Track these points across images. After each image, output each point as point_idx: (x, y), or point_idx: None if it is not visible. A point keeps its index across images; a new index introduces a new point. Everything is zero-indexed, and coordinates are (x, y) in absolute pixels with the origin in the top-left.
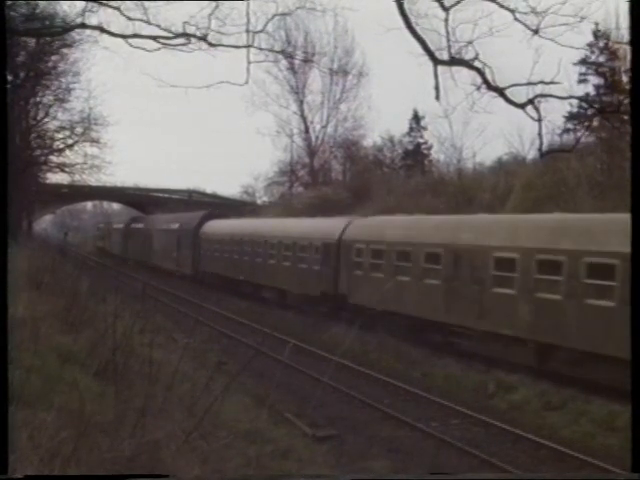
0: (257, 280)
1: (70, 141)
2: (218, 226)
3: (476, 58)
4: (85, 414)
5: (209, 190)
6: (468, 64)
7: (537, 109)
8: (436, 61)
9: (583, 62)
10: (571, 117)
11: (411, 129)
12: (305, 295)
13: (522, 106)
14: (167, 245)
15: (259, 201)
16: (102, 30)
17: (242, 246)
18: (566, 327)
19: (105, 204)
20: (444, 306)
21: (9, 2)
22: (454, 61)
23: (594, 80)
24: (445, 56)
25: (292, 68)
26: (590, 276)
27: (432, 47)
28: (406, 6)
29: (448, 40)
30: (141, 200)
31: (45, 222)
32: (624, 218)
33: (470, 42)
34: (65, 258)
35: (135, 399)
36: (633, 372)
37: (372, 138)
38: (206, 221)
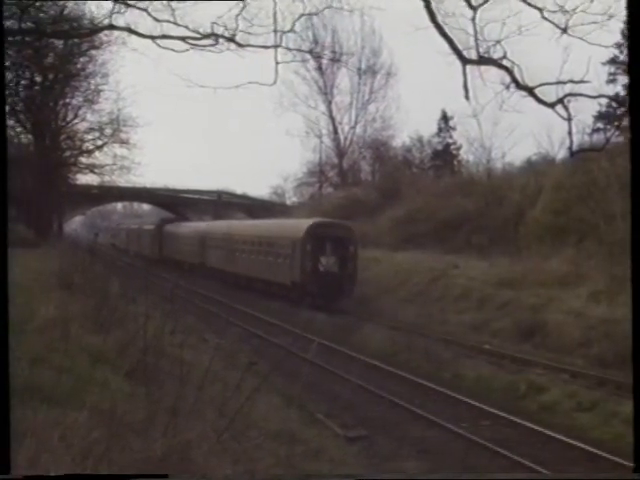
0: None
1: (99, 142)
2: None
3: (504, 57)
4: (116, 414)
5: (239, 191)
6: (497, 63)
7: (567, 108)
8: (464, 60)
9: (612, 62)
10: (601, 116)
11: (440, 129)
12: None
13: (552, 105)
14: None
15: (288, 202)
16: (130, 31)
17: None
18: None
19: (135, 205)
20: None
21: (38, 3)
22: (482, 60)
23: (623, 80)
24: (473, 55)
25: (320, 68)
26: (281, 248)
27: (460, 46)
28: (434, 5)
29: (476, 39)
30: (171, 201)
31: (75, 223)
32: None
33: (498, 41)
34: (95, 258)
35: (166, 399)
36: (634, 372)
37: (401, 138)
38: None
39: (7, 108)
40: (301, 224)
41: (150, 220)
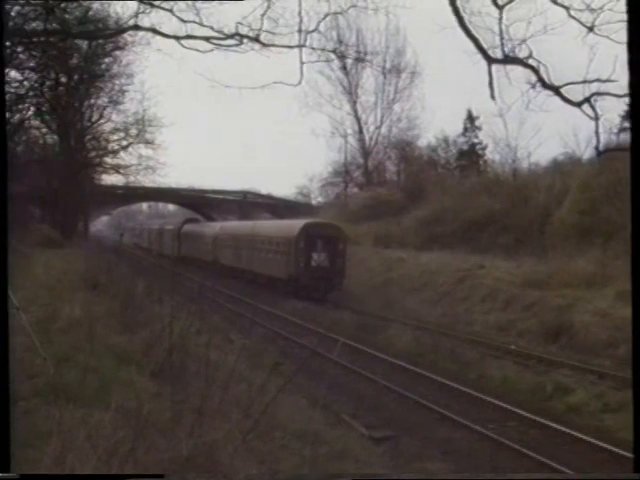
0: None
1: (125, 143)
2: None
3: (530, 56)
4: (142, 414)
5: (264, 191)
6: (522, 62)
7: (593, 107)
8: (490, 59)
9: None
10: (628, 116)
11: (466, 129)
12: None
13: (578, 104)
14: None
15: (314, 202)
16: (155, 32)
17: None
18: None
19: (160, 205)
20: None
21: (63, 4)
22: (508, 59)
23: None
24: (499, 54)
25: (344, 68)
26: (277, 245)
27: (485, 45)
28: (459, 4)
29: (502, 38)
30: (195, 201)
31: (101, 223)
32: (295, 221)
33: (524, 40)
34: (120, 258)
35: (192, 399)
36: (634, 373)
37: (426, 138)
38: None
39: (32, 109)
40: (295, 224)
41: (172, 220)
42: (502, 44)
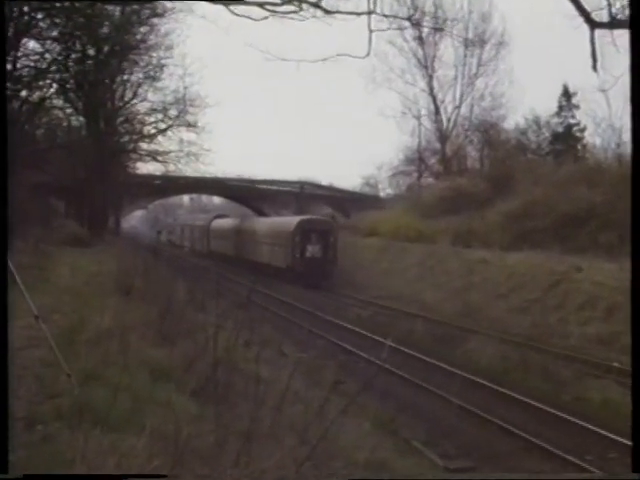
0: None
1: (163, 125)
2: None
3: None
4: (181, 439)
5: (324, 182)
6: None
7: None
8: (593, 24)
9: None
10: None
11: (561, 108)
12: None
13: None
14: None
15: (382, 193)
16: None
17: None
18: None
19: (204, 198)
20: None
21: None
22: (615, 23)
23: None
24: (604, 18)
25: (420, 38)
26: (279, 238)
27: (588, 8)
28: None
29: None
30: (245, 193)
31: (135, 218)
32: (294, 218)
33: None
34: (158, 259)
35: (239, 422)
36: (633, 373)
37: (514, 119)
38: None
39: (55, 86)
40: (293, 220)
41: (203, 217)
42: (609, 5)
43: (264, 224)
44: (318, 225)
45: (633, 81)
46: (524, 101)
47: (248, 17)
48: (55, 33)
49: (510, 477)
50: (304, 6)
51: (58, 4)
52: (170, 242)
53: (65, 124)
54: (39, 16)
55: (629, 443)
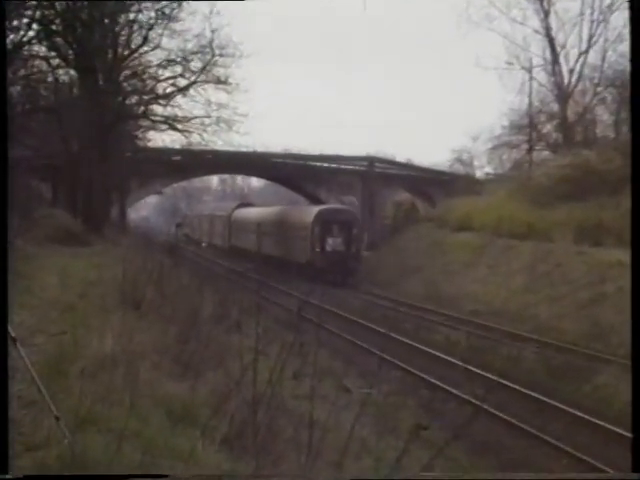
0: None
1: (183, 82)
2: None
3: None
4: None
5: (400, 157)
6: None
7: None
8: None
9: None
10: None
11: None
12: None
13: None
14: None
15: (479, 173)
16: None
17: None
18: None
19: (240, 180)
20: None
21: None
22: None
23: None
24: None
25: None
26: (298, 230)
27: None
28: None
29: None
30: (293, 173)
31: (147, 207)
32: (313, 207)
33: None
34: (178, 261)
35: None
36: (633, 372)
37: None
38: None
39: (35, 27)
40: (312, 210)
41: (224, 206)
42: None
43: (284, 214)
44: (340, 215)
45: (633, 81)
46: None
47: None
48: None
49: (510, 477)
50: None
51: None
52: (186, 237)
53: (50, 79)
54: None
55: None
